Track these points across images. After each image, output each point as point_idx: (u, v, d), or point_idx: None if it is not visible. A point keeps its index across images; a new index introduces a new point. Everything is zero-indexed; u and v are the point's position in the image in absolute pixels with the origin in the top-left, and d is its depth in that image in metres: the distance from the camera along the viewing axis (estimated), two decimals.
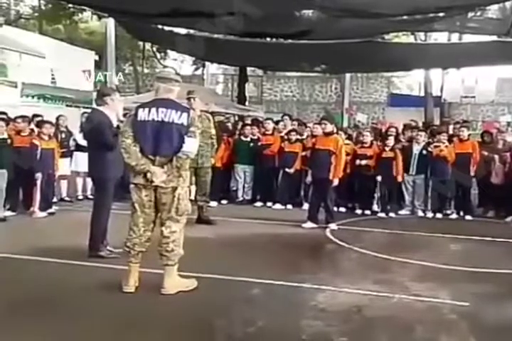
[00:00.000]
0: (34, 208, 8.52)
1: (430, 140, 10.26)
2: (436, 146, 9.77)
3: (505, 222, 9.44)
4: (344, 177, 8.76)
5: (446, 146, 9.74)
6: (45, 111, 11.37)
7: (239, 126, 12.34)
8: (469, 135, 10.38)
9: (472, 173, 9.86)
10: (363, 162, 9.75)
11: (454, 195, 9.85)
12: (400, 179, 9.74)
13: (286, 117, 12.08)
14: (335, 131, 8.84)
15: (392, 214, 9.72)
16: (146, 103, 4.87)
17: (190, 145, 4.74)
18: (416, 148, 9.97)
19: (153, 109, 4.74)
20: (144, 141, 4.72)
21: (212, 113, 9.99)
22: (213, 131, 8.43)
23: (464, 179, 9.71)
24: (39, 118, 9.54)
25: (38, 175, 8.45)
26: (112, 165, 5.86)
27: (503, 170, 9.76)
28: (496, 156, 9.91)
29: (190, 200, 5.22)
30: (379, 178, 9.68)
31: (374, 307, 4.64)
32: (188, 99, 7.81)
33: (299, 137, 10.47)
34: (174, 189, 4.74)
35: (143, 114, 4.74)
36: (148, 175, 4.67)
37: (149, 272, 4.94)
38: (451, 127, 12.63)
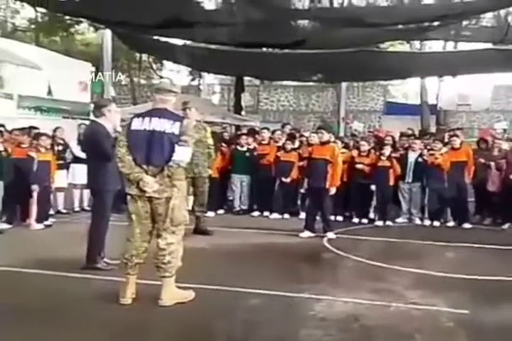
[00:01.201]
0: (31, 220, 8.51)
1: (428, 147, 10.28)
2: (431, 154, 9.80)
3: (502, 229, 9.46)
4: (341, 185, 8.77)
5: (441, 154, 9.76)
6: (41, 123, 11.37)
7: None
8: (461, 143, 10.38)
9: (468, 181, 9.89)
10: (359, 166, 9.73)
11: (452, 202, 9.85)
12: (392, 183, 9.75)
13: (288, 126, 12.13)
14: (332, 139, 8.86)
15: (389, 223, 9.72)
16: (142, 113, 4.90)
17: (182, 154, 4.72)
18: (412, 156, 9.99)
19: (147, 119, 4.76)
20: (136, 150, 4.72)
21: (207, 122, 10.00)
22: (210, 141, 8.44)
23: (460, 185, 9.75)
24: (36, 131, 9.54)
25: (35, 187, 8.46)
26: (112, 177, 5.87)
27: (499, 177, 9.77)
28: (492, 163, 9.92)
29: (188, 211, 5.21)
30: (373, 187, 9.71)
31: (372, 316, 4.63)
32: (184, 109, 7.84)
33: (294, 146, 10.50)
34: (168, 199, 4.72)
35: (136, 124, 4.77)
36: (141, 183, 4.66)
37: (147, 284, 4.93)
38: (446, 135, 12.66)
